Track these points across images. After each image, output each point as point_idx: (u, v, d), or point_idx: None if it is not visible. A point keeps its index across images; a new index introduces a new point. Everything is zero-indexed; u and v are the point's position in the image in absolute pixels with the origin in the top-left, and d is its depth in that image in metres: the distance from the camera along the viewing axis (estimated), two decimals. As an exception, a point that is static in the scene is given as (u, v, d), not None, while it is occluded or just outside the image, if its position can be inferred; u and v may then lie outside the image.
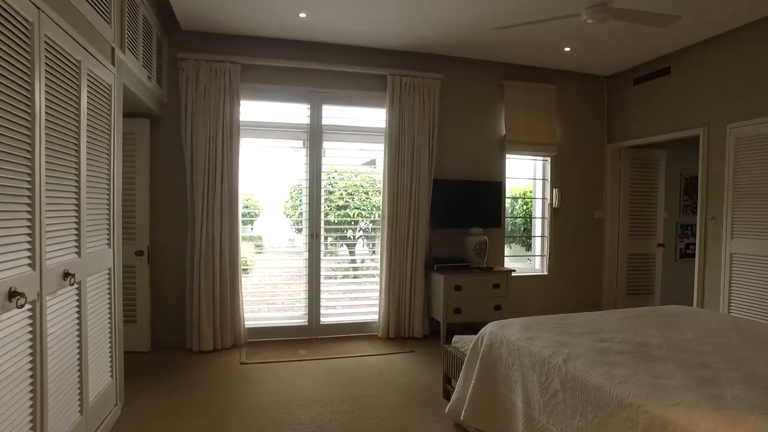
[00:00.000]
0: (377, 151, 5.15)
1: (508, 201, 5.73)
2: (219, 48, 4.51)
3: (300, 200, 5.11)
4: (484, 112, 5.37)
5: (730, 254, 4.35)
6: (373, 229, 5.92)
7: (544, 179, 5.75)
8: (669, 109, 5.01)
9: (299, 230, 5.16)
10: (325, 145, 4.96)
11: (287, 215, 7.03)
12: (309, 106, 4.87)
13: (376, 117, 5.07)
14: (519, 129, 5.44)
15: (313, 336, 4.89)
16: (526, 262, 6.13)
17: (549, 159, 5.68)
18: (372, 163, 8.08)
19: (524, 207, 6.47)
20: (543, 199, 5.75)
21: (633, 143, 5.54)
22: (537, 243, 5.82)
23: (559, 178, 5.68)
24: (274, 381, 3.70)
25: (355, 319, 5.08)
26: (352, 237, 6.38)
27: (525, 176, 5.93)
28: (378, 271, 5.07)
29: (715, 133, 4.53)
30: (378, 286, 5.03)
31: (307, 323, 4.90)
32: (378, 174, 5.33)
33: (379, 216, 5.28)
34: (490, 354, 2.59)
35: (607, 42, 4.66)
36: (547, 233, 5.69)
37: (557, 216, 5.67)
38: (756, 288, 4.13)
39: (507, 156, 5.48)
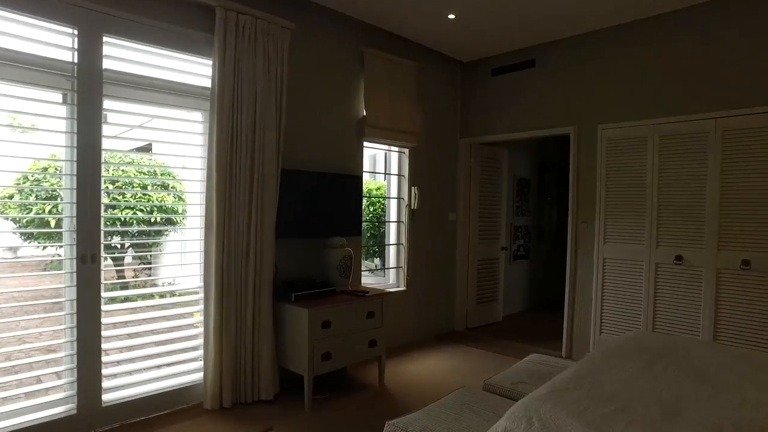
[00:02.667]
0: (195, 122, 3.37)
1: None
2: None
3: (44, 194, 2.94)
4: (341, 82, 4.10)
5: (603, 259, 4.17)
6: (153, 243, 4.04)
7: (400, 175, 4.82)
8: (533, 105, 4.66)
9: (58, 247, 2.97)
10: (108, 105, 2.94)
11: (12, 219, 4.37)
12: (76, 31, 2.77)
13: (198, 70, 3.29)
14: (380, 111, 4.36)
15: (91, 431, 2.82)
16: (374, 275, 5.13)
17: (407, 151, 4.77)
18: (150, 146, 6.01)
19: (370, 208, 5.46)
20: (399, 199, 4.82)
21: (490, 139, 5.08)
22: (391, 252, 4.85)
23: (417, 175, 4.83)
24: None
25: (164, 387, 3.18)
26: (118, 249, 4.36)
27: (377, 171, 4.91)
28: (199, 307, 3.30)
29: (585, 134, 4.31)
30: (201, 329, 3.27)
31: (76, 409, 2.78)
32: (158, 158, 3.54)
33: (162, 219, 3.51)
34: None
35: (499, 13, 3.97)
36: (404, 240, 4.77)
37: (414, 219, 4.82)
38: (628, 293, 4.00)
39: (365, 144, 4.35)
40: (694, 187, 3.68)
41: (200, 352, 3.26)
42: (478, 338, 5.01)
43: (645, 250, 3.91)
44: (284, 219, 3.52)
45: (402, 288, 4.75)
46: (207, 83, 3.23)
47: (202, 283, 3.27)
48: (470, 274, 5.30)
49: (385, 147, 4.69)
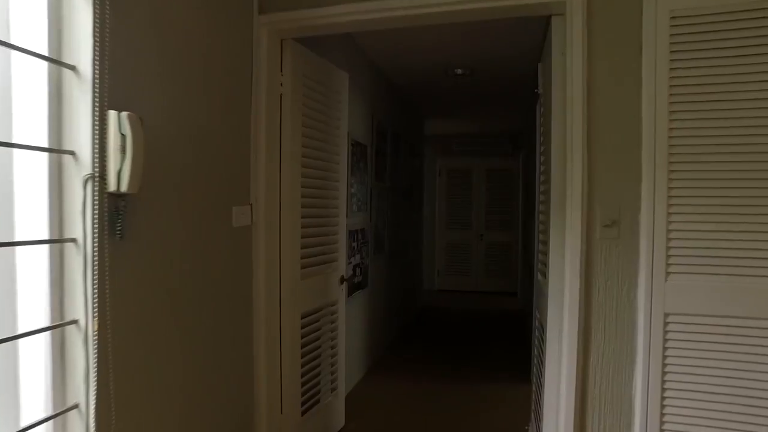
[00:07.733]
0: None
1: None
2: None
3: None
4: None
5: (663, 315, 1.61)
6: None
7: (57, 60, 1.23)
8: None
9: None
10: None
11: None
12: None
13: None
14: None
15: None
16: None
17: (87, -22, 1.22)
18: None
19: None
20: (54, 152, 1.23)
21: (335, 20, 1.94)
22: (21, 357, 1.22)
23: (133, 73, 1.33)
24: None
25: None
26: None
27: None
28: None
29: (605, 5, 1.67)
30: None
31: None
32: None
33: None
34: None
35: None
36: (84, 313, 1.22)
37: (121, 232, 1.31)
38: (730, 396, 1.57)
39: None
40: None
41: None
42: None
43: (769, 292, 1.53)
44: None
45: (80, 491, 1.20)
46: None
47: None
48: (286, 354, 2.08)
49: None
